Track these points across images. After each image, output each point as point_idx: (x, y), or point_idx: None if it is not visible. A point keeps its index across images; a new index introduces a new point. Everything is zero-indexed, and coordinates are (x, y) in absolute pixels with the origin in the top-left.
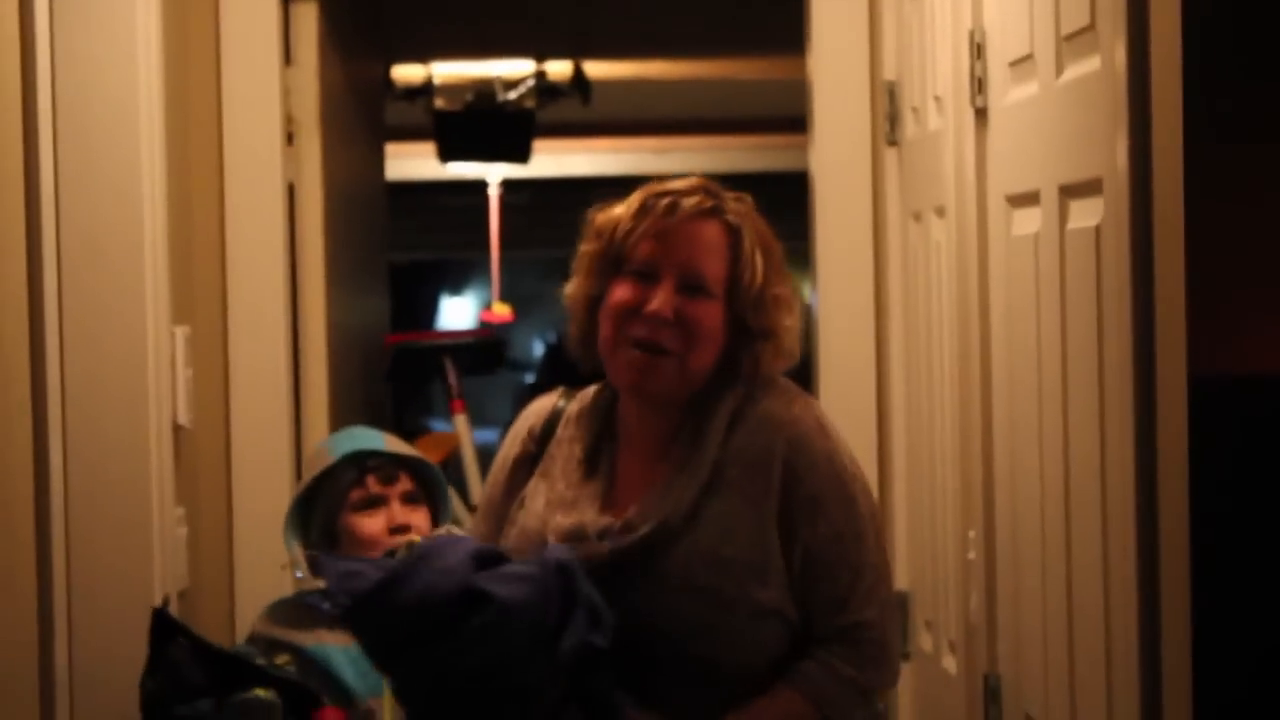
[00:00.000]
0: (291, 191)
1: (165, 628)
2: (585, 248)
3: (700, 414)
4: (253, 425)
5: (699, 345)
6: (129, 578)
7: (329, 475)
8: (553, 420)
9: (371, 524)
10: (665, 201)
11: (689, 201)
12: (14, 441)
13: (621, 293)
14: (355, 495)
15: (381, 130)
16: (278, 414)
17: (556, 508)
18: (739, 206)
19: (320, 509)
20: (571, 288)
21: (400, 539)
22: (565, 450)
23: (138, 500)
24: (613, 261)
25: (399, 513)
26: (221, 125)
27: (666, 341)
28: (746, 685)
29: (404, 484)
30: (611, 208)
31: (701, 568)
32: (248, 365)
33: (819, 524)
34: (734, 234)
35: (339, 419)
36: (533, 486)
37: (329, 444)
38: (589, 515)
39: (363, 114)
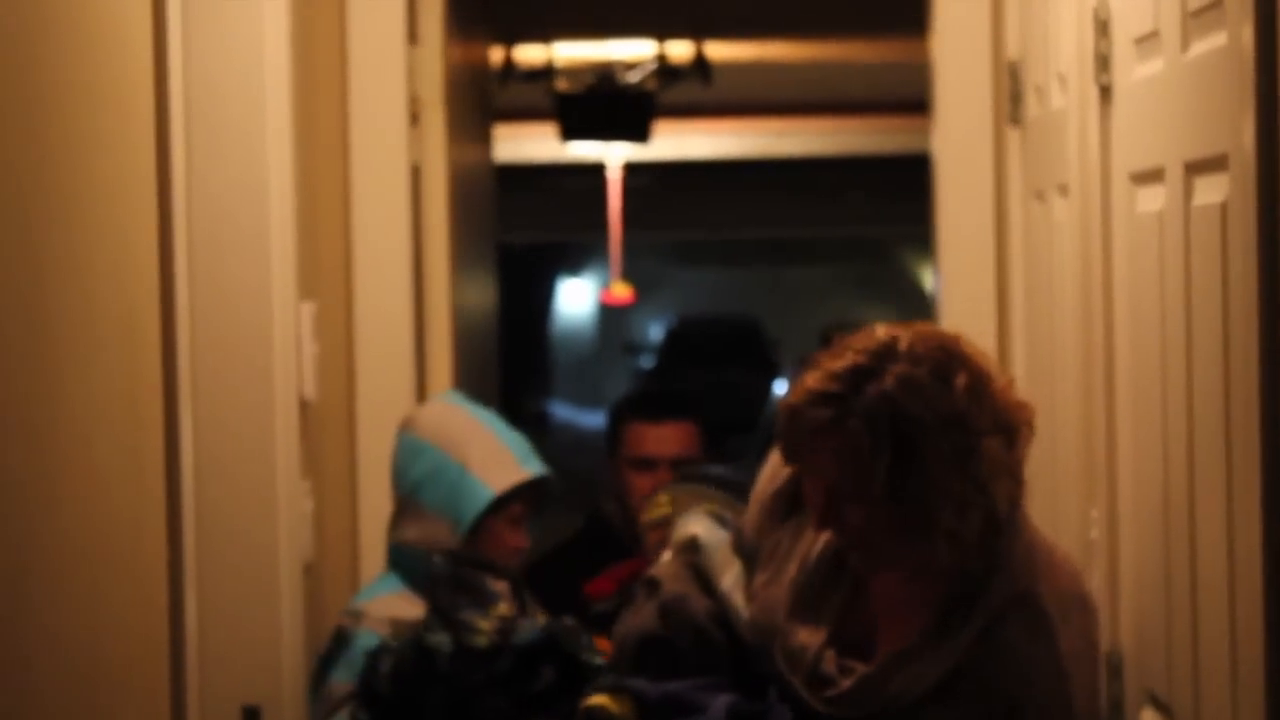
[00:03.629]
0: (415, 171)
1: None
2: None
3: (966, 594)
4: (377, 401)
5: (857, 545)
6: (256, 550)
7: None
8: None
9: (515, 539)
10: (786, 414)
11: (808, 416)
12: (145, 415)
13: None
14: (513, 509)
15: (490, 112)
16: (402, 390)
17: (799, 603)
18: (871, 402)
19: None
20: None
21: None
22: None
23: (264, 473)
24: None
25: (523, 537)
26: (347, 104)
27: (838, 541)
28: None
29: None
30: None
31: None
32: (373, 341)
33: None
34: (854, 439)
35: None
36: (790, 537)
37: (511, 441)
38: (819, 637)
39: (477, 95)
